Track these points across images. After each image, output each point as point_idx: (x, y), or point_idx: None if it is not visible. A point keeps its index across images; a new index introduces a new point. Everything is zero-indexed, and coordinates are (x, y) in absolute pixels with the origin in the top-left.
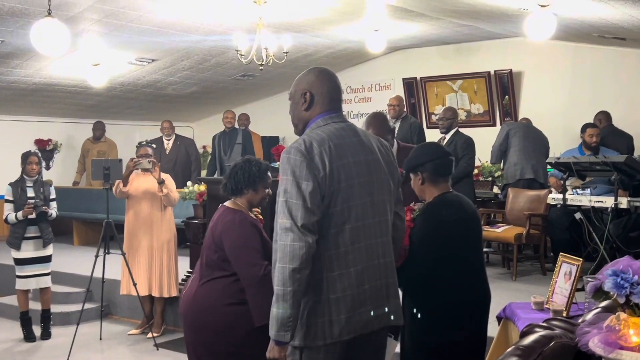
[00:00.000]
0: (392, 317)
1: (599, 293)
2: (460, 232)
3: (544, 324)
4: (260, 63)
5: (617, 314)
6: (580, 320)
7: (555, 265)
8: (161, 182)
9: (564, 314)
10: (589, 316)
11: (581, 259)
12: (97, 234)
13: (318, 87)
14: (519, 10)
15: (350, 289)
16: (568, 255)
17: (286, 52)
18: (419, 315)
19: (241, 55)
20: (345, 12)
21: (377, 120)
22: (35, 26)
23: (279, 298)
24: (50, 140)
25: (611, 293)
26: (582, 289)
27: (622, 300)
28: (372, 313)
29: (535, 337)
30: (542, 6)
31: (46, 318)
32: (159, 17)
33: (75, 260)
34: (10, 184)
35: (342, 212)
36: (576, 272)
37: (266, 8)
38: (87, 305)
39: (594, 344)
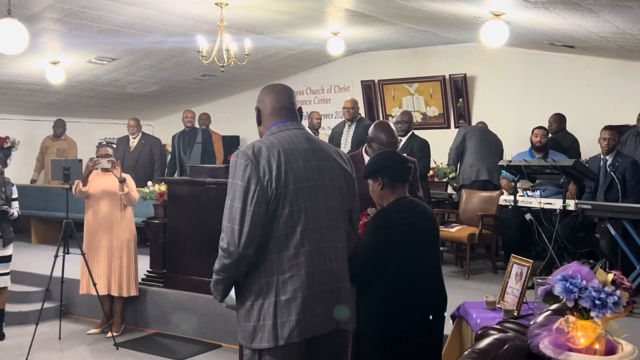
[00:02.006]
0: (343, 322)
1: (549, 297)
2: (411, 237)
3: (498, 327)
4: (221, 65)
5: (566, 316)
6: (531, 322)
7: (507, 265)
8: (122, 181)
9: (515, 313)
10: (540, 318)
11: (531, 261)
12: (56, 232)
13: (264, 102)
14: (474, 19)
15: (301, 291)
16: (519, 257)
17: (247, 54)
18: (372, 319)
19: (202, 56)
20: (306, 16)
21: (391, 129)
22: None
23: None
24: (7, 137)
25: (561, 297)
26: (532, 287)
27: (571, 304)
28: (323, 316)
29: (489, 341)
30: (495, 15)
31: (0, 318)
32: (120, 17)
33: (34, 259)
34: None
35: (291, 215)
36: (527, 273)
37: (228, 10)
38: (46, 305)
39: (544, 346)
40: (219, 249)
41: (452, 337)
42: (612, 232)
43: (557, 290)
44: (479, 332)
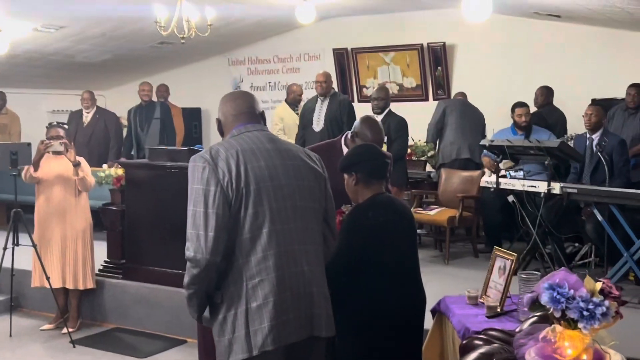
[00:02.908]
0: (318, 328)
1: (536, 305)
2: (388, 236)
3: (483, 336)
4: (181, 36)
5: (552, 326)
6: (517, 330)
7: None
8: (76, 165)
9: (499, 309)
10: (525, 325)
11: (515, 255)
12: (1, 216)
13: (223, 111)
14: None
15: (272, 296)
16: (502, 250)
17: (209, 25)
18: (349, 322)
19: (161, 27)
20: None
21: (379, 127)
22: None
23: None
24: None
25: (547, 306)
26: (515, 273)
27: (558, 314)
28: (296, 322)
29: (475, 356)
30: None
31: None
32: None
33: None
34: None
35: (256, 216)
36: (510, 267)
37: None
38: None
39: (531, 357)
40: (187, 260)
41: (433, 333)
42: (599, 217)
43: (544, 299)
44: (464, 342)
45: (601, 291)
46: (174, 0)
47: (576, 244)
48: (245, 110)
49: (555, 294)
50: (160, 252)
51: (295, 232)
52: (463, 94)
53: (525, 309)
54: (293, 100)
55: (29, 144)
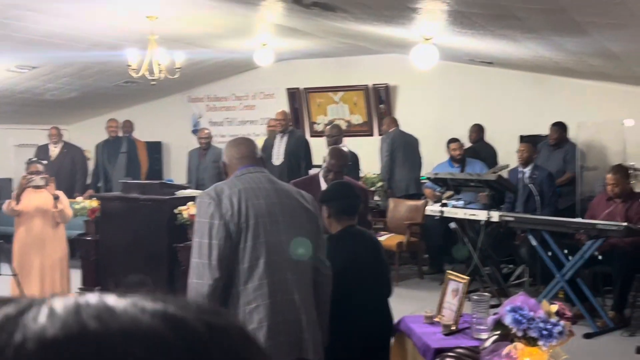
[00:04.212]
0: (305, 351)
1: (499, 326)
2: (355, 267)
3: (453, 354)
4: (152, 79)
5: (514, 344)
6: (481, 347)
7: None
8: (56, 198)
9: (453, 327)
10: (488, 343)
11: (467, 277)
12: None
13: (227, 155)
14: (404, 41)
15: (266, 320)
16: (454, 273)
17: (178, 68)
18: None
19: (133, 69)
20: (236, 29)
21: (341, 153)
22: None
23: None
24: None
25: (510, 327)
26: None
27: (520, 334)
28: (287, 344)
29: None
30: (426, 39)
31: None
32: (45, 28)
33: None
34: None
35: (254, 248)
36: (463, 290)
37: (158, 23)
38: None
39: None
40: (189, 288)
41: (395, 350)
42: (534, 242)
43: (507, 321)
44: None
45: (556, 312)
46: (145, 44)
47: (510, 266)
48: (247, 154)
49: (517, 315)
50: (133, 280)
51: (288, 263)
52: (394, 120)
53: (479, 327)
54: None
55: (10, 179)
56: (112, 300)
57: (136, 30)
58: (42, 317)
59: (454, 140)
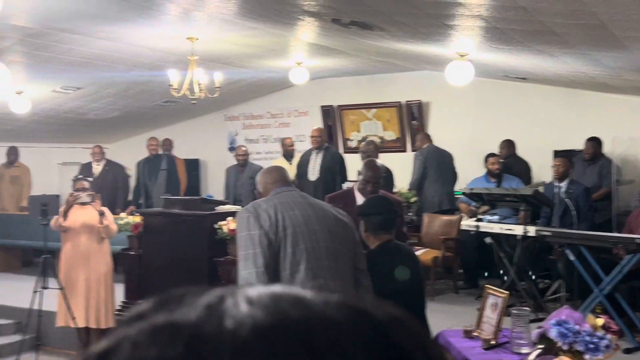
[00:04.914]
0: None
1: (543, 340)
2: (394, 281)
3: None
4: (192, 98)
5: (559, 357)
6: None
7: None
8: (102, 214)
9: (493, 342)
10: (532, 357)
11: (507, 292)
12: (14, 258)
13: (261, 182)
14: (438, 57)
15: None
16: (494, 288)
17: (218, 87)
18: None
19: (174, 89)
20: (272, 49)
21: (376, 165)
22: None
23: None
24: None
25: (555, 340)
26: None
27: (566, 347)
28: None
29: None
30: (461, 56)
31: None
32: (89, 50)
33: None
34: None
35: (294, 254)
36: (502, 304)
37: (198, 44)
38: (18, 338)
39: None
40: None
41: None
42: (571, 257)
43: (553, 334)
44: None
45: (602, 326)
46: (184, 65)
47: (546, 280)
48: (279, 178)
49: (562, 329)
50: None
51: (327, 269)
52: (427, 136)
53: (519, 342)
54: (286, 152)
55: (57, 196)
56: (296, 290)
57: (177, 51)
58: (244, 305)
59: (492, 155)
